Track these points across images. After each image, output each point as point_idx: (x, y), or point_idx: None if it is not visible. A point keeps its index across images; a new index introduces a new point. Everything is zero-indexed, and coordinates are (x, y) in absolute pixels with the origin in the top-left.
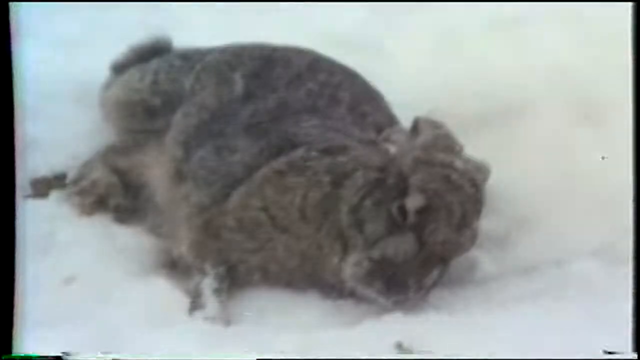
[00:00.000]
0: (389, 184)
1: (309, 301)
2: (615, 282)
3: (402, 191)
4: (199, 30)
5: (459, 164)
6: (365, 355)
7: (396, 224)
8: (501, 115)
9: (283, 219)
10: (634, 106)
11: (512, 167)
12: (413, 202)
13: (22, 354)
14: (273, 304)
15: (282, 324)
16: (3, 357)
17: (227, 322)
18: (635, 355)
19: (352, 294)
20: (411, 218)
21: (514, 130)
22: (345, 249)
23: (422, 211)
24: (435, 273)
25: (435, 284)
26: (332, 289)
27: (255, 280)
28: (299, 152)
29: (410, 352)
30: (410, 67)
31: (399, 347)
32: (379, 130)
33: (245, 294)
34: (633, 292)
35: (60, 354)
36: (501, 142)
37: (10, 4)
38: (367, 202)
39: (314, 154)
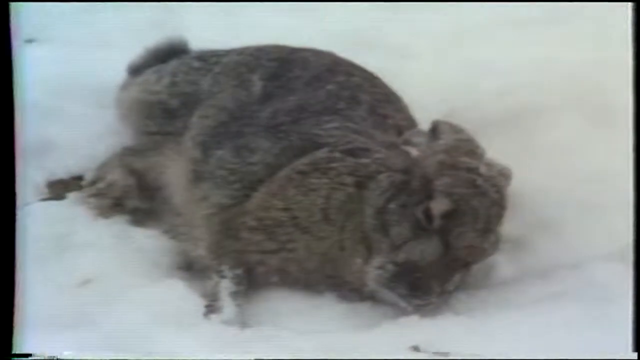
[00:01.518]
0: (413, 187)
1: (326, 304)
2: (634, 285)
3: (427, 194)
4: (214, 31)
5: (483, 169)
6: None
7: (421, 228)
8: (518, 117)
9: (305, 219)
10: (634, 106)
11: (530, 170)
12: (439, 206)
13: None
14: (290, 307)
15: (299, 327)
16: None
17: (244, 325)
18: (635, 355)
19: (370, 297)
20: (437, 222)
21: (531, 132)
22: (369, 251)
23: (447, 215)
24: (457, 277)
25: (456, 289)
26: (351, 291)
27: (273, 282)
28: (322, 153)
29: (427, 355)
30: (426, 68)
31: (416, 350)
32: (399, 132)
33: (262, 297)
34: (633, 292)
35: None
36: (518, 144)
37: (11, 4)
38: (393, 205)
39: (337, 155)
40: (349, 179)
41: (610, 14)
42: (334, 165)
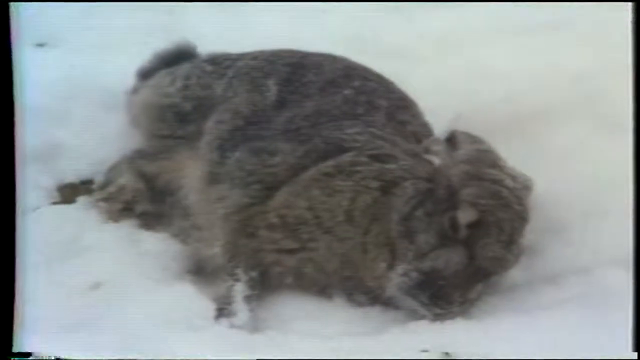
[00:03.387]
0: (438, 196)
1: (335, 308)
2: (634, 286)
3: (453, 204)
4: (219, 34)
5: (509, 181)
6: None
7: (447, 237)
8: (521, 123)
9: (328, 220)
10: (634, 106)
11: (535, 175)
12: (465, 215)
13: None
14: (299, 311)
15: (308, 331)
16: None
17: (254, 330)
18: (635, 355)
19: (381, 301)
20: (462, 232)
21: (535, 137)
22: (393, 257)
23: (473, 225)
24: (479, 287)
25: (477, 299)
26: (366, 294)
27: (287, 283)
28: (348, 157)
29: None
30: (430, 73)
31: (426, 354)
32: (417, 139)
33: (271, 300)
34: (634, 293)
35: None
36: (527, 149)
37: (17, 9)
38: (419, 213)
39: (363, 159)
40: (374, 183)
41: (611, 19)
42: (359, 168)
